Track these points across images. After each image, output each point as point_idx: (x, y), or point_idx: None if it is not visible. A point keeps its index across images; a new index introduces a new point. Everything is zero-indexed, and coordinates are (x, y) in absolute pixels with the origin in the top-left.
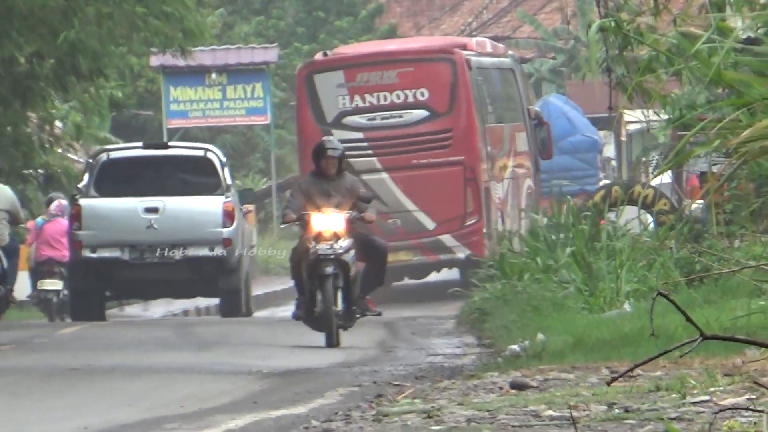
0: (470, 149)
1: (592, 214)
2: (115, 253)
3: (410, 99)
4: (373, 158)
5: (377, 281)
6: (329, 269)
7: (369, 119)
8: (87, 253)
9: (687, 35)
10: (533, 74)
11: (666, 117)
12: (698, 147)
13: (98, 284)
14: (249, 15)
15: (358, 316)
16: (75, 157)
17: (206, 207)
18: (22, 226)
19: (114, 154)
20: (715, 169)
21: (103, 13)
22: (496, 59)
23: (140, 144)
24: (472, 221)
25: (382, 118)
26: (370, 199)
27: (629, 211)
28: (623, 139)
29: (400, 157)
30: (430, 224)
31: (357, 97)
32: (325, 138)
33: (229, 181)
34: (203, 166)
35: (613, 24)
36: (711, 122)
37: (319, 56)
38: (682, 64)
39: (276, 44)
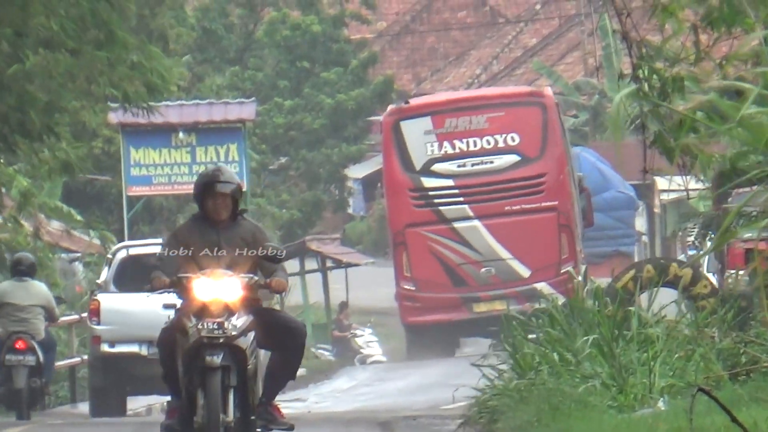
0: (563, 194)
1: (620, 296)
2: (133, 349)
3: (501, 144)
4: (465, 206)
5: (288, 376)
6: (216, 359)
7: (459, 166)
8: (106, 348)
9: (732, 90)
10: None
11: (708, 183)
12: (745, 226)
13: (117, 380)
14: (222, 65)
15: (258, 430)
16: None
17: None
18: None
19: (133, 251)
20: (764, 243)
21: (57, 60)
22: (565, 118)
23: (160, 240)
24: (568, 268)
25: (473, 165)
26: (281, 257)
27: (663, 294)
28: (656, 210)
29: (493, 204)
30: (525, 272)
31: (446, 144)
32: (213, 168)
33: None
34: None
35: (647, 72)
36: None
37: (392, 108)
38: (724, 128)
39: (253, 99)
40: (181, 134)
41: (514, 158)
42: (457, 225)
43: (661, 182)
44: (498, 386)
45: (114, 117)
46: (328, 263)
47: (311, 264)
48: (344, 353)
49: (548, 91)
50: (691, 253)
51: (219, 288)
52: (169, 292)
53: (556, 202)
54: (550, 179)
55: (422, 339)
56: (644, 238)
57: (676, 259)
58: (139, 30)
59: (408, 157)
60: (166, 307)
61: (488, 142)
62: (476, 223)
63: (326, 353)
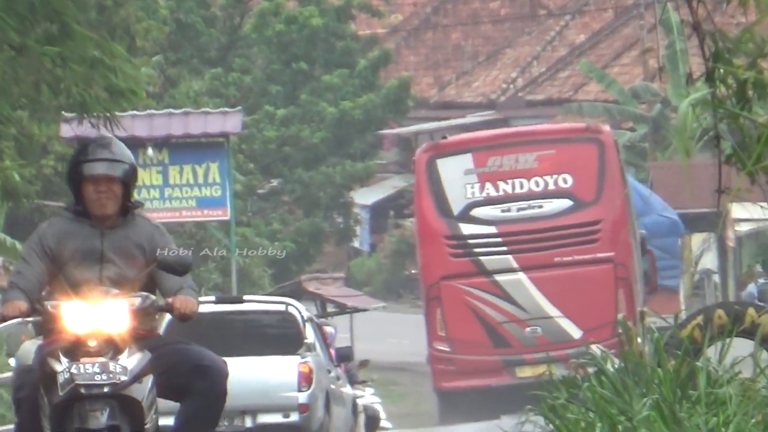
0: (621, 243)
1: (684, 347)
2: None
3: (551, 186)
4: (508, 256)
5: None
6: (101, 417)
7: (503, 210)
8: None
9: None
10: None
11: None
12: None
13: None
14: (200, 66)
15: None
16: None
17: (279, 369)
18: None
19: None
20: None
21: None
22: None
23: (212, 299)
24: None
25: (519, 209)
26: (187, 265)
27: (739, 345)
28: (730, 243)
29: (541, 254)
30: (576, 332)
31: (489, 185)
32: (96, 138)
33: (311, 339)
34: (283, 321)
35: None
36: None
37: (428, 144)
38: None
39: (239, 108)
40: (150, 151)
41: (566, 203)
42: (499, 278)
43: (736, 210)
44: None
45: (68, 130)
46: (330, 308)
47: (309, 309)
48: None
49: (606, 127)
50: None
51: (100, 315)
52: (27, 322)
53: (613, 253)
54: (606, 227)
55: (457, 407)
56: (715, 278)
57: (754, 303)
58: (99, 24)
59: (445, 199)
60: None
61: (537, 184)
62: (521, 276)
63: None
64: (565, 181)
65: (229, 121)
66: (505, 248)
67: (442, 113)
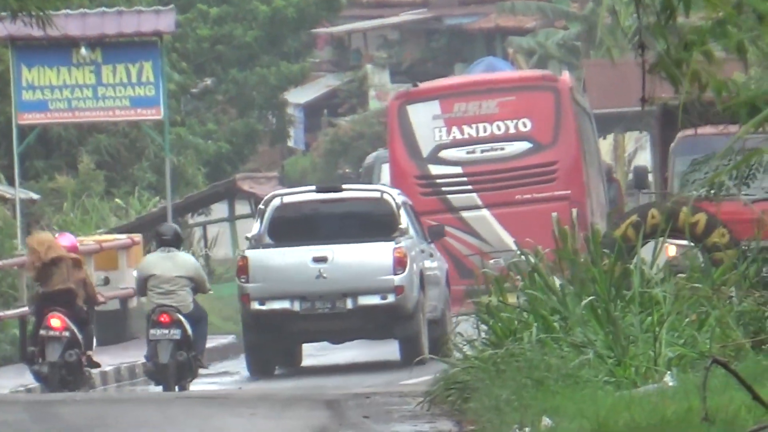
0: (577, 183)
1: (618, 247)
2: (284, 305)
3: (512, 130)
4: (473, 194)
5: None
6: None
7: (468, 152)
8: (256, 306)
9: None
10: (536, 51)
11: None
12: None
13: (270, 337)
14: None
15: None
16: None
17: (376, 254)
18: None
19: (287, 199)
20: None
21: None
22: (583, 100)
23: (313, 187)
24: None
25: (482, 151)
26: None
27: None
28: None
29: (503, 192)
30: None
31: (455, 129)
32: None
33: (405, 225)
34: (379, 208)
35: None
36: None
37: (399, 91)
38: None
39: (172, 6)
40: (83, 50)
41: (525, 145)
42: (465, 214)
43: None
44: (469, 357)
45: (1, 28)
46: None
47: (243, 208)
48: None
49: (563, 76)
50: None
51: None
52: None
53: (569, 191)
54: (562, 167)
55: None
56: (651, 177)
57: (687, 202)
58: None
59: (415, 142)
60: (316, 260)
61: (498, 128)
62: (485, 212)
63: None
64: (524, 125)
65: (163, 20)
66: (470, 187)
67: (375, 12)
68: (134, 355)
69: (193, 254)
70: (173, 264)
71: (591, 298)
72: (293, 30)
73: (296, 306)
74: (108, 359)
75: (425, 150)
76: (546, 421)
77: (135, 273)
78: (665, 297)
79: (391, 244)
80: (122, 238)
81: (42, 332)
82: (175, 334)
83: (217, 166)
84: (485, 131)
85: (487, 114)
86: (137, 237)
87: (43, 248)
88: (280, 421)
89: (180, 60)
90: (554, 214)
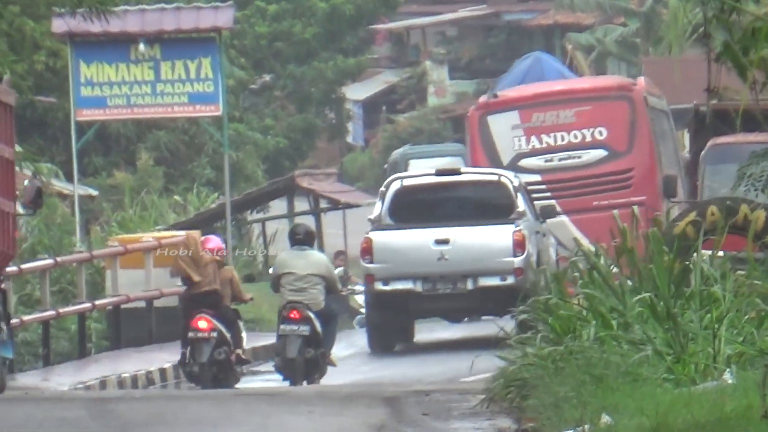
0: (651, 189)
1: (677, 245)
2: (407, 285)
3: (588, 138)
4: (552, 201)
5: None
6: None
7: (546, 160)
8: (380, 287)
9: None
10: (594, 47)
11: None
12: None
13: (392, 316)
14: None
15: None
16: None
17: (496, 236)
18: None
19: (407, 182)
20: None
21: None
22: (660, 100)
23: (432, 171)
24: None
25: (560, 159)
26: None
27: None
28: None
29: (580, 199)
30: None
31: (533, 138)
32: None
33: (522, 207)
34: (497, 191)
35: None
36: None
37: (482, 98)
38: None
39: (230, 2)
40: (142, 46)
41: (601, 153)
42: None
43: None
44: (529, 355)
45: (60, 25)
46: (322, 203)
47: (302, 204)
48: (341, 314)
49: (640, 82)
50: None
51: None
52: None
53: (645, 197)
54: (638, 174)
55: None
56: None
57: (747, 198)
58: None
59: (495, 151)
60: (438, 242)
61: (575, 137)
62: (564, 218)
63: None
64: (600, 134)
65: (221, 16)
66: (549, 194)
67: (433, 8)
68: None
69: (252, 251)
70: (306, 262)
71: (650, 294)
72: (351, 26)
73: (418, 286)
74: (167, 356)
75: (505, 159)
76: (605, 418)
77: (270, 270)
78: (725, 294)
79: (510, 227)
80: (181, 234)
81: (190, 334)
82: (304, 330)
83: (276, 162)
84: (563, 140)
85: (565, 123)
86: (196, 234)
87: (192, 250)
88: (339, 418)
89: (238, 56)
90: (615, 211)
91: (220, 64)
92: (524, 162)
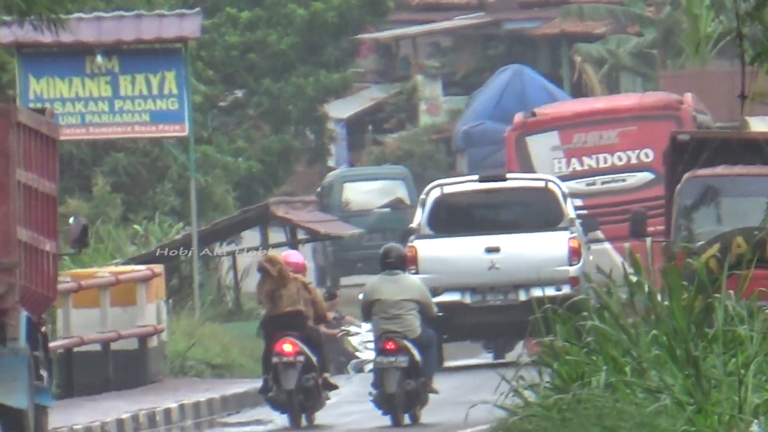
0: None
1: (698, 279)
2: (455, 297)
3: (633, 161)
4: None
5: None
6: None
7: (588, 184)
8: None
9: None
10: (606, 59)
11: None
12: None
13: (437, 330)
14: None
15: None
16: None
17: (550, 244)
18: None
19: (449, 189)
20: None
21: None
22: (706, 117)
23: (475, 177)
24: None
25: (603, 183)
26: None
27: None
28: None
29: (624, 225)
30: None
31: (574, 160)
32: None
33: (572, 214)
34: (544, 198)
35: None
36: None
37: (518, 116)
38: None
39: (198, 9)
40: (99, 58)
41: (648, 176)
42: None
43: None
44: (531, 404)
45: (6, 34)
46: (301, 235)
47: (277, 236)
48: (333, 358)
49: (687, 99)
50: None
51: None
52: None
53: None
54: None
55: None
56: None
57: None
58: None
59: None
60: (489, 250)
61: (620, 159)
62: (607, 246)
63: None
64: (646, 156)
65: (187, 25)
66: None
67: (426, 16)
68: (154, 400)
69: (220, 287)
70: (398, 287)
71: (668, 336)
72: (334, 36)
73: (467, 298)
74: (125, 405)
75: None
76: None
77: (360, 296)
78: (752, 336)
79: (565, 234)
80: (141, 269)
81: (274, 359)
82: (402, 361)
83: (249, 188)
84: (605, 162)
85: (608, 144)
86: (158, 268)
87: (274, 270)
88: None
89: (206, 69)
90: (626, 245)
91: (186, 78)
92: (565, 185)
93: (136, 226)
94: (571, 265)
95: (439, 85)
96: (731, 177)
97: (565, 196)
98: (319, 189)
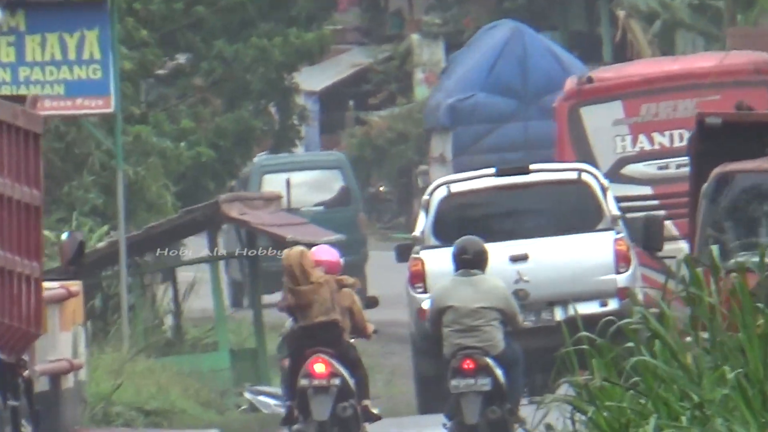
0: None
1: None
2: None
3: None
4: (667, 221)
5: None
6: None
7: (660, 167)
8: None
9: None
10: (658, 14)
11: None
12: None
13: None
14: None
15: None
16: None
17: (591, 248)
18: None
19: (457, 187)
20: None
21: None
22: None
23: (491, 170)
24: None
25: (678, 166)
26: None
27: None
28: None
29: None
30: None
31: (642, 138)
32: None
33: (614, 211)
34: (578, 193)
35: None
36: None
37: (570, 82)
38: None
39: None
40: (0, 15)
41: None
42: None
43: None
44: None
45: None
46: (261, 242)
47: (230, 243)
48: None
49: None
50: None
51: None
52: None
53: None
54: None
55: None
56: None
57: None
58: None
59: (590, 154)
60: (514, 259)
61: None
62: (682, 245)
63: (270, 402)
64: None
65: None
66: (663, 212)
67: None
68: None
69: (156, 310)
70: (476, 291)
71: (738, 372)
72: None
73: None
74: None
75: (604, 165)
76: None
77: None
78: None
79: (609, 235)
80: (53, 287)
81: (303, 382)
82: (484, 384)
83: (195, 182)
84: (681, 140)
85: (684, 117)
86: (75, 286)
87: (299, 270)
88: None
89: (139, 28)
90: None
91: (113, 39)
92: (630, 169)
93: (46, 232)
94: (618, 273)
95: (441, 47)
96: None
97: (604, 190)
98: (233, 183)
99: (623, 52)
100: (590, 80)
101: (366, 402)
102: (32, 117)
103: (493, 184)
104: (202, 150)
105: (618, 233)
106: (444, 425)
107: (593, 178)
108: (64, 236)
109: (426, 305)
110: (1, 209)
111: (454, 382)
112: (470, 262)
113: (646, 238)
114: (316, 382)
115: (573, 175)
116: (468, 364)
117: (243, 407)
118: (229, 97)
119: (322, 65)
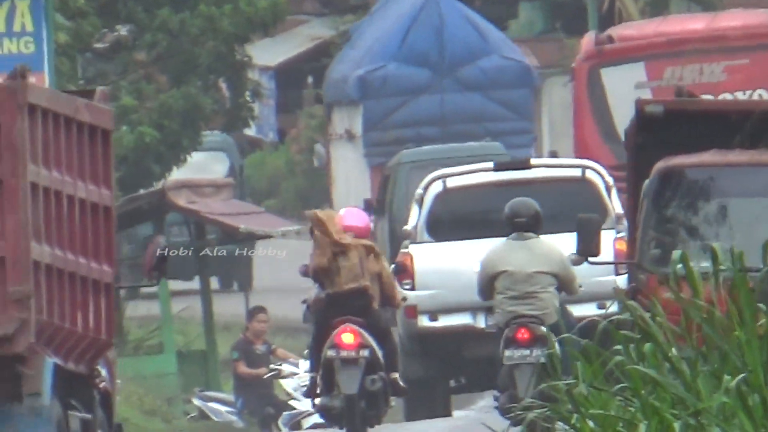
0: None
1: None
2: (464, 320)
3: None
4: None
5: None
6: None
7: None
8: (425, 323)
9: None
10: None
11: None
12: None
13: (442, 365)
14: None
15: None
16: None
17: None
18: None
19: (453, 182)
20: None
21: None
22: None
23: (489, 165)
24: None
25: None
26: None
27: None
28: None
29: None
30: None
31: None
32: None
33: (618, 209)
34: (581, 190)
35: None
36: None
37: (588, 40)
38: None
39: None
40: None
41: None
42: None
43: None
44: None
45: None
46: (210, 232)
47: (177, 233)
48: (257, 408)
49: None
50: None
51: None
52: None
53: None
54: None
55: None
56: None
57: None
58: None
59: (610, 120)
60: None
61: None
62: None
63: (221, 408)
64: (761, 99)
65: None
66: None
67: None
68: None
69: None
70: (531, 255)
71: (740, 378)
72: None
73: (480, 321)
74: None
75: (624, 131)
76: None
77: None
78: None
79: (609, 233)
80: None
81: (329, 353)
82: (539, 355)
83: (138, 166)
84: None
85: (711, 83)
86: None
87: (334, 230)
88: None
89: None
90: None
91: (47, 9)
92: None
93: None
94: (618, 274)
95: None
96: (725, 167)
97: (608, 187)
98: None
99: (611, 23)
100: (610, 39)
101: (394, 375)
102: (100, 112)
103: (492, 180)
104: (146, 130)
105: (619, 232)
106: (495, 398)
107: (598, 175)
108: (150, 244)
109: (413, 301)
110: (59, 206)
111: (507, 353)
112: (525, 225)
113: (580, 241)
114: (344, 353)
115: (577, 173)
116: (523, 334)
117: (192, 415)
118: (175, 72)
119: (277, 38)
